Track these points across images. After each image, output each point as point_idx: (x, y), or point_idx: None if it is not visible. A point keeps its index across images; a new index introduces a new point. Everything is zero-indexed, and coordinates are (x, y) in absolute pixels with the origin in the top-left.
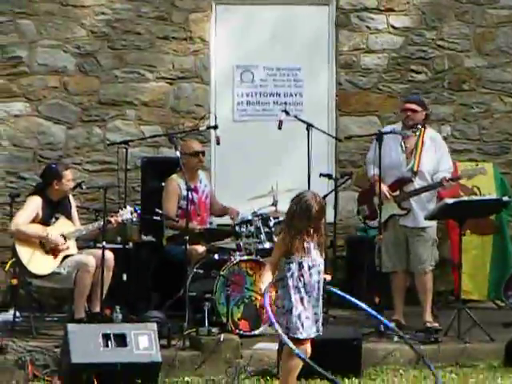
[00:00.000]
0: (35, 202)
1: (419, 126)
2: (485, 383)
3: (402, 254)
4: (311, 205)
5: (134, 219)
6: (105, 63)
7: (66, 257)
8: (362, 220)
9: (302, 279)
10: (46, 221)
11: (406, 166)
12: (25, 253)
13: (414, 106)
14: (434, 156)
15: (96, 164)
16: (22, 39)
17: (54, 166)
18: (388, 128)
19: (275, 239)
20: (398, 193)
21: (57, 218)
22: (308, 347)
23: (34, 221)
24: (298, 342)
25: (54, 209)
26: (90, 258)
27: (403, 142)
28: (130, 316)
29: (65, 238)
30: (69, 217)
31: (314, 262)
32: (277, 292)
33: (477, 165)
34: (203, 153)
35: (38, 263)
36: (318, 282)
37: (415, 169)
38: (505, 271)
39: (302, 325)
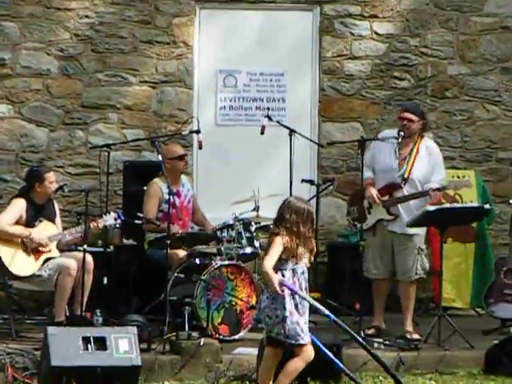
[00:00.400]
0: (19, 204)
1: (401, 134)
2: None
3: (388, 261)
4: (311, 210)
5: (118, 225)
6: (88, 66)
7: (47, 259)
8: (350, 222)
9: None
10: (29, 223)
11: (398, 171)
12: (6, 254)
13: (410, 116)
14: (427, 165)
15: (78, 167)
16: (5, 41)
17: (36, 168)
18: (386, 133)
19: (256, 244)
20: (387, 198)
21: (40, 221)
22: (312, 350)
23: (17, 223)
24: (300, 347)
25: (38, 212)
26: (71, 261)
27: (398, 149)
28: (111, 319)
29: (48, 240)
30: (52, 220)
31: (303, 267)
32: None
33: (463, 176)
34: (186, 155)
35: (20, 264)
36: (306, 289)
37: (406, 175)
38: (486, 279)
39: (302, 330)
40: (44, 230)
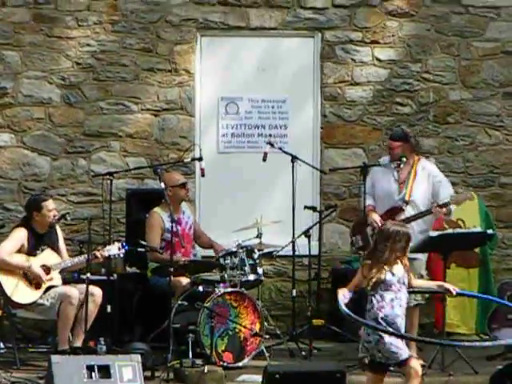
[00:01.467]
0: (20, 233)
1: (403, 159)
2: None
3: None
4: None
5: (122, 255)
6: (90, 95)
7: (49, 288)
8: (355, 251)
9: (382, 311)
10: (31, 252)
11: (398, 195)
12: (8, 283)
13: (394, 144)
14: (427, 185)
15: (80, 195)
16: (7, 70)
17: (34, 197)
18: (386, 159)
19: (259, 271)
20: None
21: (42, 250)
22: (416, 361)
23: (19, 251)
24: (405, 364)
25: (40, 240)
26: (73, 290)
27: (396, 173)
28: (114, 347)
29: (49, 269)
30: (55, 248)
31: (393, 294)
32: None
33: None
34: (187, 183)
35: (21, 293)
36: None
37: (407, 198)
38: (490, 304)
39: (398, 347)
40: (45, 259)
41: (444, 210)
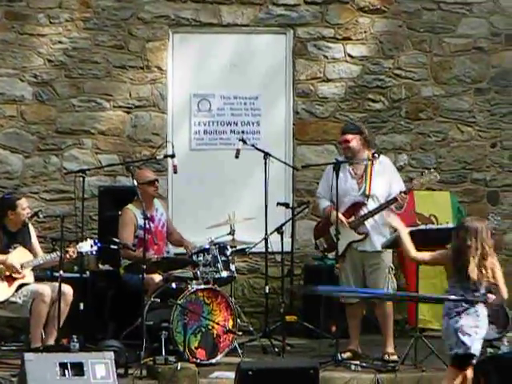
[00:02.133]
0: None
1: (376, 155)
2: None
3: (360, 283)
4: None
5: (94, 252)
6: (62, 92)
7: (21, 286)
8: (322, 253)
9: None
10: (3, 250)
11: (359, 191)
12: None
13: (347, 137)
14: (385, 179)
15: (53, 193)
16: None
17: (7, 196)
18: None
19: (232, 268)
20: (352, 219)
21: (15, 248)
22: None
23: None
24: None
25: (12, 238)
26: (45, 288)
27: (351, 169)
28: (87, 345)
29: (21, 266)
30: (27, 246)
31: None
32: None
33: (429, 169)
34: (157, 180)
35: None
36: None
37: (367, 192)
38: None
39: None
40: (18, 257)
41: (407, 196)
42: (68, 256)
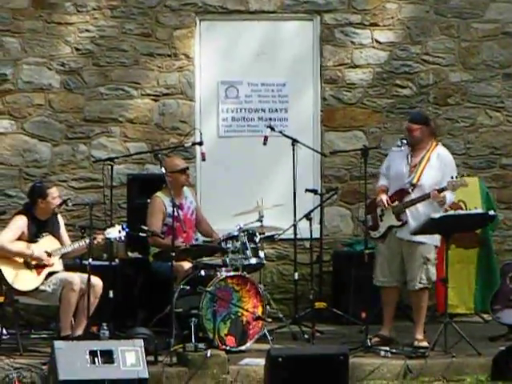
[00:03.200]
0: (20, 221)
1: (404, 141)
2: None
3: (396, 269)
4: None
5: (122, 238)
6: (89, 80)
7: (50, 274)
8: (365, 230)
9: None
10: (32, 239)
11: (408, 178)
12: (9, 271)
13: (410, 126)
14: (438, 172)
15: (81, 181)
16: (6, 57)
17: (38, 184)
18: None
19: (261, 254)
20: (396, 203)
21: (43, 236)
22: None
23: (20, 239)
24: None
25: (41, 227)
26: (74, 276)
27: (410, 156)
28: (117, 333)
29: (49, 254)
30: (56, 235)
31: None
32: None
33: (462, 175)
34: (187, 169)
35: (23, 280)
36: None
37: (415, 181)
38: (490, 285)
39: None
40: (46, 245)
41: (441, 195)
42: (96, 242)
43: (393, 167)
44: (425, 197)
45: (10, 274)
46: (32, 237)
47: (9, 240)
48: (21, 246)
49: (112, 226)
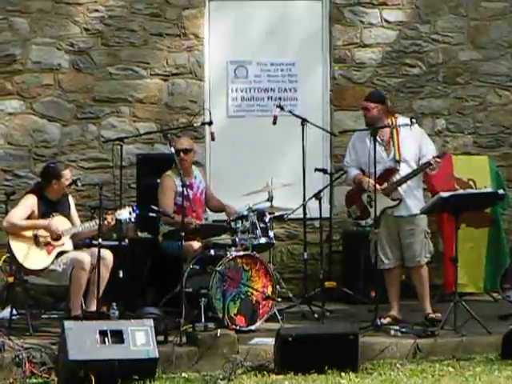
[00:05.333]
0: (30, 200)
1: (414, 120)
2: (482, 376)
3: (396, 249)
4: None
5: (133, 219)
6: (99, 60)
7: (61, 254)
8: (353, 222)
9: None
10: (42, 218)
11: (388, 157)
12: (19, 249)
13: (371, 105)
14: (413, 142)
15: (91, 161)
16: (15, 37)
17: (53, 165)
18: (398, 121)
19: (271, 234)
20: (385, 185)
21: (53, 216)
22: None
23: (29, 218)
24: None
25: (51, 207)
26: (84, 255)
27: (378, 137)
28: (127, 312)
29: (60, 235)
30: (67, 216)
31: None
32: None
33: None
34: (189, 150)
35: (33, 259)
36: None
37: (397, 157)
38: (500, 263)
39: None
40: (57, 224)
41: (440, 160)
42: (106, 223)
43: (362, 155)
44: (422, 168)
45: (20, 252)
46: (42, 216)
47: (20, 217)
48: (34, 221)
49: (122, 207)
